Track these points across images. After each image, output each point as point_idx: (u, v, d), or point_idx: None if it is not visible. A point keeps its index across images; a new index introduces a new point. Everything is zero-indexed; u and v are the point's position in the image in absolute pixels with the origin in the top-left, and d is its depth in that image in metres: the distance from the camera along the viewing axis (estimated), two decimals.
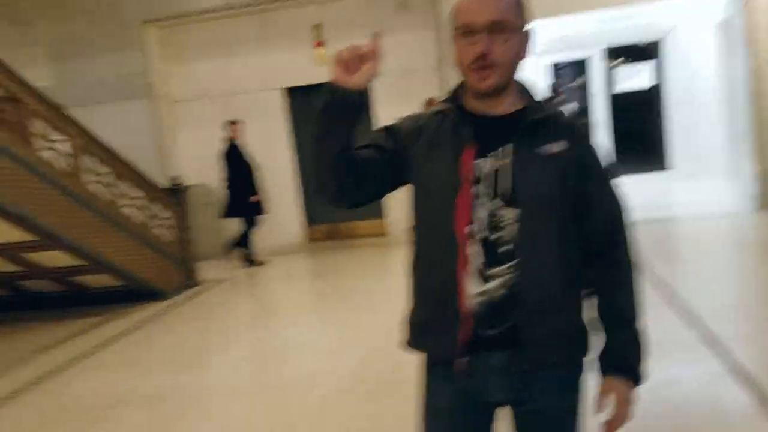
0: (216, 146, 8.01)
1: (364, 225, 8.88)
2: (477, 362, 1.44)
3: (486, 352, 1.42)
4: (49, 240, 5.37)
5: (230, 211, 7.79)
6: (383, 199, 1.60)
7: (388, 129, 1.54)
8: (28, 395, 4.39)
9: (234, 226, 8.02)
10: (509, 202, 1.39)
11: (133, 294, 6.47)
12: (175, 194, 7.08)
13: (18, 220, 5.00)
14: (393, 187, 1.55)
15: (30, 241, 5.43)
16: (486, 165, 1.41)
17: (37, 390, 4.47)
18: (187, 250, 7.15)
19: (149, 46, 8.78)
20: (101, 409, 3.99)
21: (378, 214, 8.68)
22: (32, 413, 4.10)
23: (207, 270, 7.60)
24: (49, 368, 4.84)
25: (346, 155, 1.40)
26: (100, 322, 6.01)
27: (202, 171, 8.60)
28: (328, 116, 1.38)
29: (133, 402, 4.05)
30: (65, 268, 6.06)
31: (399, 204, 8.25)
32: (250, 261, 7.99)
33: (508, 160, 1.40)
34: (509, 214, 1.40)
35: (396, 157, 1.49)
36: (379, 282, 6.65)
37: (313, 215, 8.97)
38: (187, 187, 7.35)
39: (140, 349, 5.22)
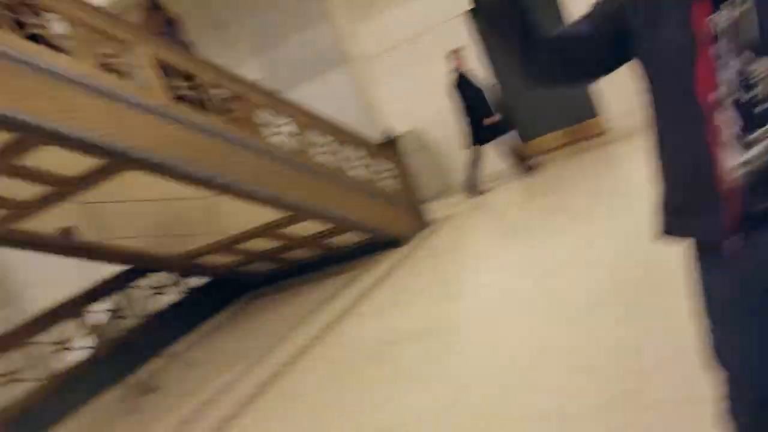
0: (416, 90, 8.19)
1: (579, 128, 8.50)
2: (754, 242, 1.27)
3: (764, 228, 1.26)
4: (298, 213, 6.00)
5: (475, 138, 7.96)
6: (594, 82, 1.51)
7: (597, 3, 1.43)
8: (315, 348, 5.03)
9: (476, 156, 8.12)
10: (759, 51, 1.21)
11: (376, 245, 6.97)
12: (390, 146, 7.42)
13: (269, 201, 5.65)
14: (614, 65, 1.44)
15: (283, 218, 6.12)
16: (722, 18, 1.23)
17: (322, 342, 5.10)
18: (414, 195, 7.48)
19: (336, 14, 9.19)
20: (381, 347, 4.43)
21: (591, 113, 8.23)
22: (323, 361, 4.70)
23: (435, 209, 7.90)
24: (327, 321, 5.47)
25: (529, 39, 1.38)
26: (355, 275, 6.60)
27: (409, 117, 8.87)
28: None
29: (406, 338, 4.42)
30: (316, 234, 6.73)
31: (612, 94, 7.71)
32: (475, 191, 8.12)
33: (748, 5, 1.22)
34: (762, 67, 1.21)
35: (612, 30, 1.38)
36: (612, 184, 6.34)
37: (524, 133, 8.78)
38: (399, 137, 7.65)
39: (397, 292, 5.65)
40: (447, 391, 3.40)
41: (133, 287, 6.75)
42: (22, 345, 5.73)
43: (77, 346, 6.17)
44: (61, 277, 7.15)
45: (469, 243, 6.38)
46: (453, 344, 4.07)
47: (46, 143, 4.29)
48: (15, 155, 4.52)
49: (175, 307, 7.08)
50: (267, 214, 6.05)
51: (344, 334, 5.10)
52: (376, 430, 3.35)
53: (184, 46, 6.15)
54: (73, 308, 6.15)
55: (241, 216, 6.04)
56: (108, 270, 6.47)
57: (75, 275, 6.70)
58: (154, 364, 6.22)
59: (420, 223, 7.45)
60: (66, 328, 6.07)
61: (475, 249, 6.14)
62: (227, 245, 6.68)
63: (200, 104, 5.20)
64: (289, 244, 7.05)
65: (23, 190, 5.05)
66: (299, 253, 7.40)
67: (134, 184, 5.09)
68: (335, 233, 6.74)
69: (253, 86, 5.83)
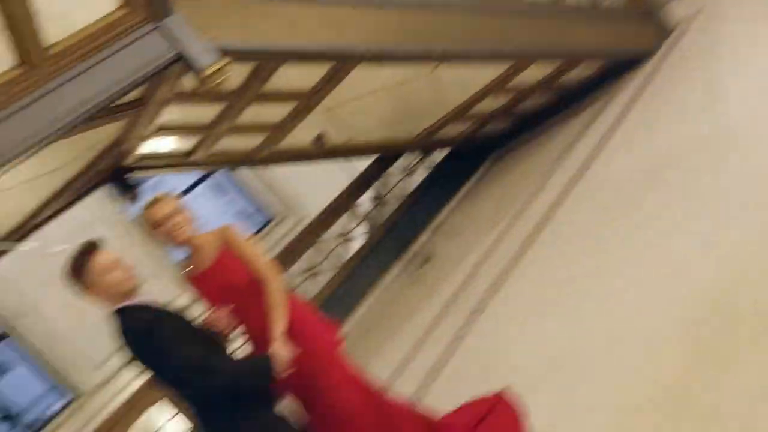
0: None
1: None
2: None
3: None
4: (519, 61, 5.78)
5: None
6: None
7: None
8: (576, 188, 4.94)
9: None
10: None
11: (615, 70, 6.44)
12: None
13: (487, 57, 5.51)
14: None
15: (507, 71, 5.95)
16: None
17: (582, 181, 4.98)
18: (645, 2, 6.67)
19: None
20: (647, 174, 4.21)
21: None
22: (588, 200, 4.62)
23: (674, 10, 6.97)
24: (582, 160, 5.31)
25: None
26: (599, 109, 6.23)
27: None
28: None
29: (675, 159, 4.13)
30: (545, 78, 6.44)
31: None
32: None
33: None
34: None
35: None
36: None
37: None
38: None
39: (648, 115, 5.24)
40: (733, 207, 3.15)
41: (386, 174, 7.24)
42: (313, 243, 6.57)
43: (356, 235, 6.91)
44: (328, 180, 7.95)
45: (729, 39, 5.54)
46: (729, 157, 3.70)
47: (283, 64, 4.65)
48: (260, 83, 4.98)
49: (427, 182, 7.47)
50: (489, 72, 5.93)
51: (601, 170, 4.94)
52: (665, 253, 3.26)
53: None
54: (344, 203, 6.84)
55: (465, 81, 6.01)
56: (362, 164, 7.00)
57: (339, 175, 7.39)
58: (423, 238, 6.71)
59: (663, 31, 6.63)
60: (344, 222, 6.81)
61: (739, 43, 5.31)
62: (459, 114, 6.74)
63: None
64: (520, 96, 6.88)
65: (274, 113, 5.60)
66: (532, 103, 7.19)
67: (361, 80, 5.33)
68: (565, 71, 6.38)
69: None
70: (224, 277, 2.73)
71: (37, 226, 5.46)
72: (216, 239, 2.78)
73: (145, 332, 2.37)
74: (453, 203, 7.25)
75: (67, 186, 5.14)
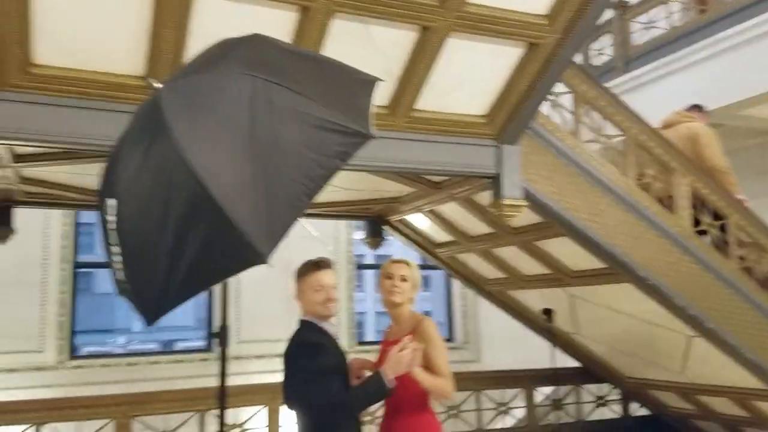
0: None
1: None
2: None
3: None
4: None
5: None
6: None
7: None
8: None
9: None
10: None
11: None
12: None
13: (753, 368, 5.04)
14: None
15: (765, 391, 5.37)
16: None
17: None
18: None
19: None
20: None
21: None
22: None
23: None
24: None
25: None
26: None
27: None
28: None
29: None
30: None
31: None
32: None
33: None
34: None
35: None
36: None
37: None
38: None
39: None
40: None
41: (578, 387, 6.91)
42: (474, 389, 6.45)
43: (515, 414, 6.66)
44: (521, 346, 7.83)
45: None
46: None
47: (565, 235, 4.79)
48: (536, 236, 5.17)
49: (608, 424, 6.96)
50: (745, 377, 5.40)
51: None
52: None
53: None
54: (525, 380, 6.66)
55: (713, 368, 5.55)
56: (564, 360, 6.76)
57: (534, 351, 7.22)
58: None
59: None
60: (511, 394, 6.61)
61: None
62: (685, 391, 6.21)
63: (719, 246, 5.03)
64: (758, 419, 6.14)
65: (528, 265, 5.73)
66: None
67: (621, 294, 5.23)
68: None
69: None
70: None
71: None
72: (414, 322, 2.99)
73: (311, 350, 2.66)
74: None
75: (343, 203, 5.78)
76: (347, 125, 1.72)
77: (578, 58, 7.07)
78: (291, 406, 2.74)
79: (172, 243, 1.57)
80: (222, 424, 2.21)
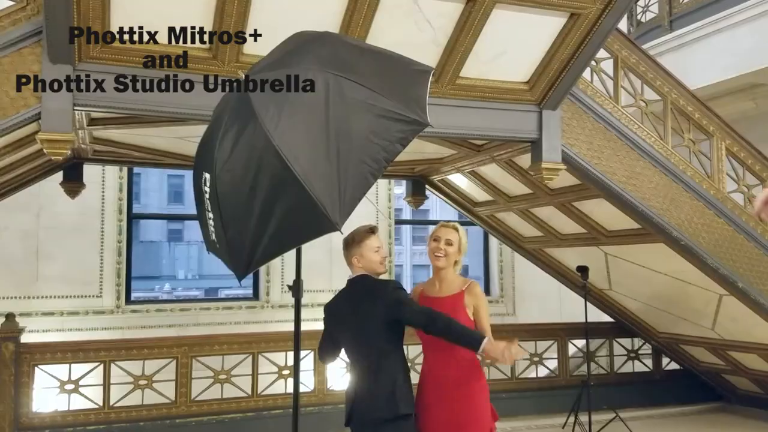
0: None
1: None
2: None
3: None
4: None
5: None
6: None
7: None
8: None
9: None
10: None
11: None
12: None
13: None
14: None
15: None
16: None
17: None
18: None
19: None
20: None
21: None
22: None
23: None
24: None
25: None
26: None
27: None
28: None
29: None
30: None
31: None
32: None
33: None
34: None
35: None
36: None
37: None
38: None
39: None
40: None
41: (611, 340, 7.16)
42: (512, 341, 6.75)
43: (547, 365, 6.96)
44: (556, 302, 8.08)
45: None
46: None
47: (601, 197, 4.97)
48: (573, 197, 5.36)
49: (639, 377, 7.21)
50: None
51: None
52: None
53: None
54: (558, 332, 6.94)
55: (743, 325, 5.74)
56: (598, 315, 7.00)
57: (571, 305, 7.45)
58: (597, 416, 6.49)
59: None
60: (544, 345, 6.91)
61: None
62: (715, 346, 6.42)
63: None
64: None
65: (564, 224, 5.94)
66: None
67: (655, 254, 5.41)
68: None
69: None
70: (443, 310, 3.14)
71: None
72: (462, 284, 3.22)
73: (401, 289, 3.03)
74: (648, 412, 6.90)
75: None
76: (407, 114, 2.00)
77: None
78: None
79: (260, 212, 1.88)
80: (297, 365, 2.54)
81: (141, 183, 23.04)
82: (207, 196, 2.02)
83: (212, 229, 2.04)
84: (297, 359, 2.44)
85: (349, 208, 1.89)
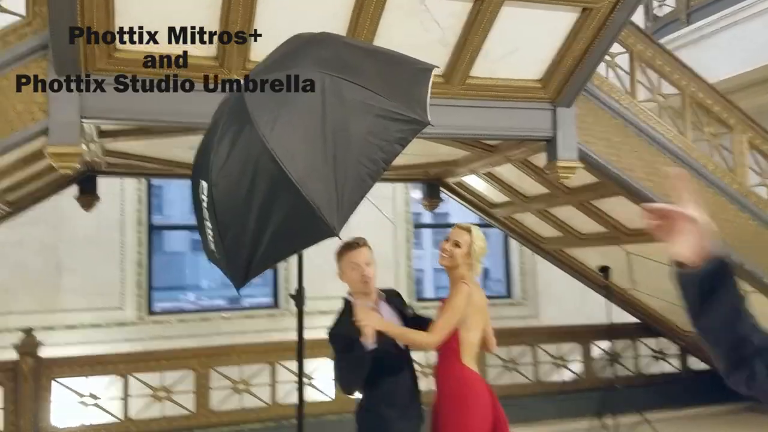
0: None
1: None
2: None
3: None
4: None
5: None
6: None
7: None
8: None
9: None
10: None
11: None
12: None
13: None
14: None
15: None
16: None
17: None
18: None
19: None
20: None
21: None
22: None
23: None
24: None
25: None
26: None
27: None
28: None
29: None
30: None
31: None
32: None
33: None
34: None
35: None
36: None
37: None
38: None
39: None
40: None
41: (636, 341, 7.00)
42: (529, 343, 6.65)
43: (571, 367, 6.82)
44: (578, 302, 7.94)
45: None
46: None
47: (621, 194, 4.85)
48: (591, 196, 5.25)
49: (666, 378, 7.04)
50: None
51: None
52: None
53: None
54: (581, 334, 6.80)
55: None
56: (621, 316, 6.85)
57: (592, 306, 7.31)
58: (623, 419, 6.36)
59: None
60: (568, 348, 6.77)
61: None
62: None
63: None
64: None
65: (583, 223, 5.82)
66: None
67: None
68: None
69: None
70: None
71: None
72: (455, 283, 3.11)
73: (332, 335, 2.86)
74: (677, 413, 6.73)
75: (402, 167, 5.96)
76: (407, 114, 1.91)
77: (639, 10, 6.94)
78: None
79: (257, 219, 1.82)
80: (301, 374, 2.48)
81: (162, 195, 23.26)
82: (205, 204, 1.97)
83: (210, 238, 1.99)
84: (300, 368, 2.38)
85: (347, 212, 1.82)
